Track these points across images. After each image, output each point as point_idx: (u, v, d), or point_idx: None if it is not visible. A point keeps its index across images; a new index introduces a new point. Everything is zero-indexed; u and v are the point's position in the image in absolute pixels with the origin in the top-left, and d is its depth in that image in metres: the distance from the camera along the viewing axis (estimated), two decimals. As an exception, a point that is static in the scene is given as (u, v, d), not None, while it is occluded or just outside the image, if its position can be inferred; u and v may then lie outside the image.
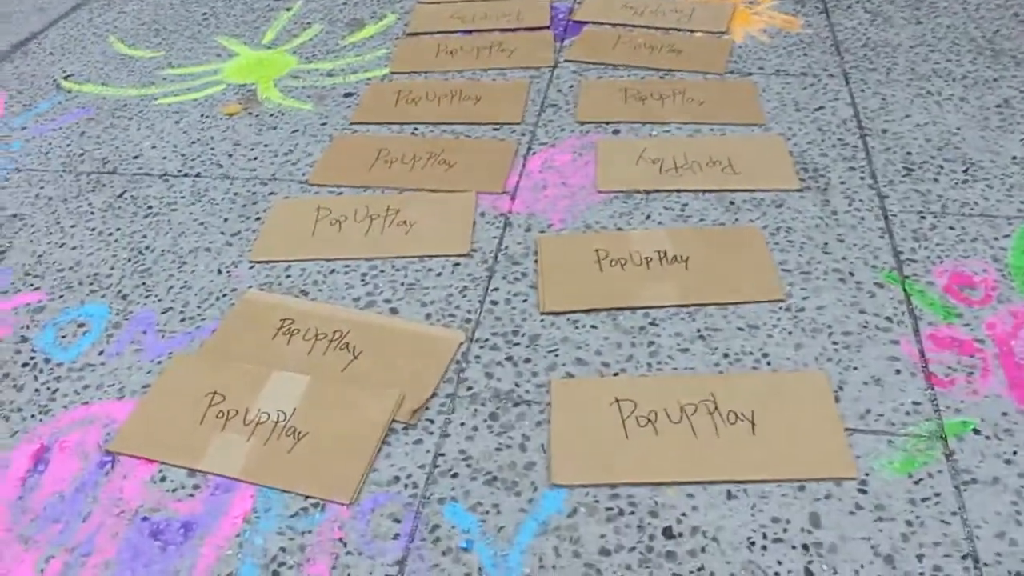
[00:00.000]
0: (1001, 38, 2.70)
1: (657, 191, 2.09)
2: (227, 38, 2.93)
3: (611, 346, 1.72)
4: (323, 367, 1.69)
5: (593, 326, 1.76)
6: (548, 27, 2.80)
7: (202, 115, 2.51)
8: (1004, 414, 1.54)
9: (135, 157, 2.35)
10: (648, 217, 2.02)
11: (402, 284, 1.87)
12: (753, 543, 1.38)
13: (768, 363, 1.66)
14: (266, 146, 2.35)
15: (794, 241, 1.94)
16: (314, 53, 2.78)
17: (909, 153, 2.20)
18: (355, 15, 3.01)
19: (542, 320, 1.78)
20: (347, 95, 2.53)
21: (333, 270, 1.92)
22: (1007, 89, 2.44)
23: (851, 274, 1.86)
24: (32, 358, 1.77)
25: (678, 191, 2.09)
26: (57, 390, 1.69)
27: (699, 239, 1.94)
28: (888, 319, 1.75)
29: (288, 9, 3.05)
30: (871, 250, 1.91)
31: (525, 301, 1.82)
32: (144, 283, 1.93)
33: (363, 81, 2.59)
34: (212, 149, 2.35)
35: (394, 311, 1.81)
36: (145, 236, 2.06)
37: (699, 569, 1.35)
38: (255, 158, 2.30)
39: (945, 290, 1.81)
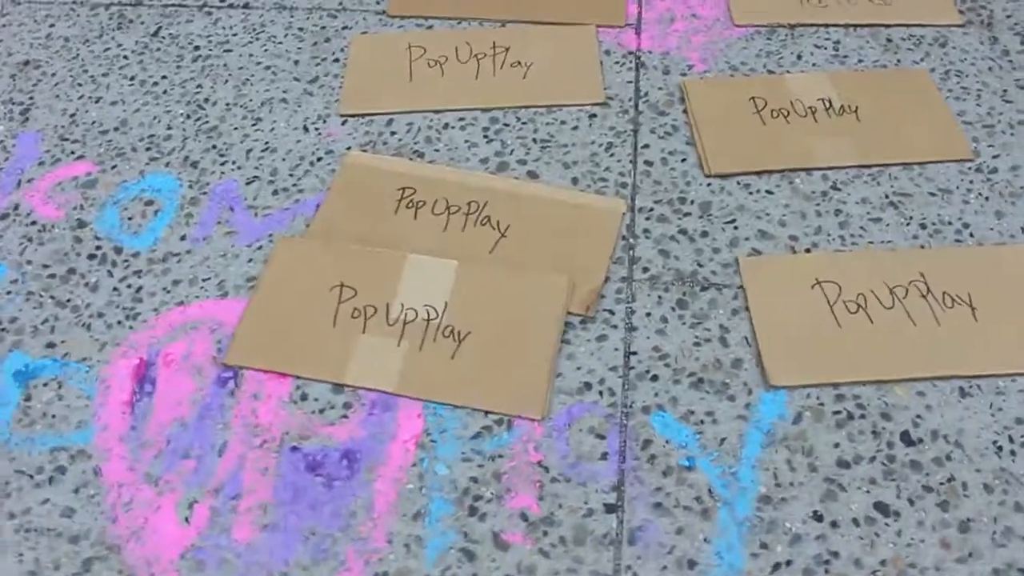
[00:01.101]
0: None
1: (802, 25, 1.79)
2: None
3: (794, 215, 1.47)
4: (466, 247, 1.40)
5: (768, 191, 1.50)
6: None
7: (232, -72, 2.07)
8: None
9: (160, -20, 1.93)
10: (799, 57, 1.73)
11: (534, 140, 1.57)
12: (1000, 448, 1.20)
13: (971, 235, 1.44)
14: None
15: (968, 88, 1.69)
16: None
17: (1071, -22, 1.93)
18: None
19: (709, 184, 1.51)
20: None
21: (447, 124, 1.60)
22: None
23: (1043, 127, 1.63)
24: (99, 247, 1.44)
25: (826, 25, 1.80)
26: (141, 288, 1.38)
27: (865, 85, 1.67)
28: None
29: None
30: (1057, 97, 1.68)
31: (684, 160, 1.55)
32: (214, 146, 1.58)
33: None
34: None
35: (533, 175, 1.52)
36: (200, 86, 1.69)
37: (949, 480, 1.17)
38: None
39: None
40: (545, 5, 1.80)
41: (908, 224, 1.46)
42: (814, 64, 1.72)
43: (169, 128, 1.61)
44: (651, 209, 1.47)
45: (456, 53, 1.70)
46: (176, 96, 1.67)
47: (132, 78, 1.71)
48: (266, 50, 1.75)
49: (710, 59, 1.72)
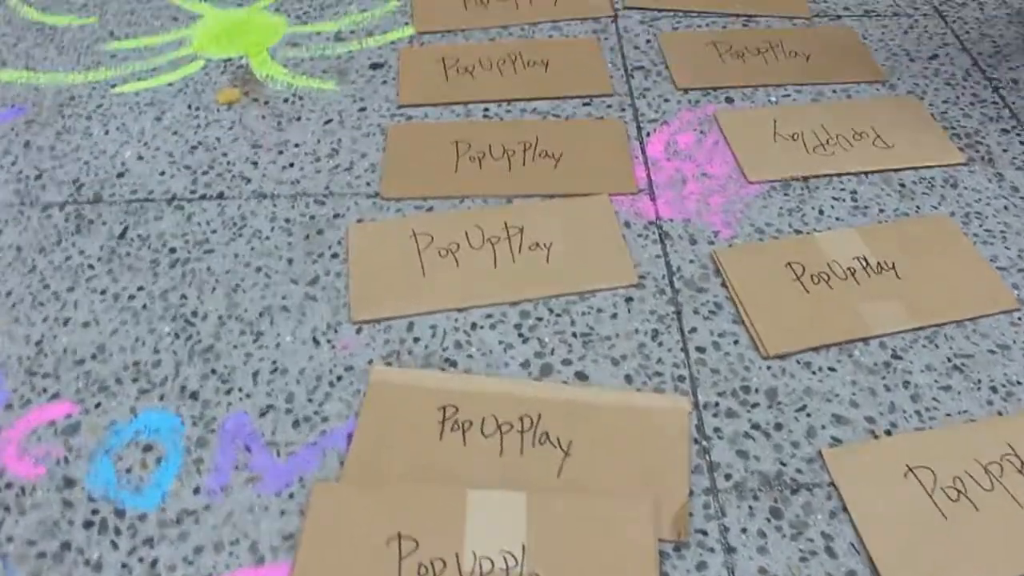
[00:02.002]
0: None
1: (815, 176, 1.73)
2: (174, -8, 2.27)
3: (864, 394, 1.37)
4: (530, 473, 1.24)
5: (831, 368, 1.40)
6: (581, -36, 2.32)
7: (190, 106, 1.89)
8: None
9: (119, 175, 1.74)
10: (821, 212, 1.66)
11: (574, 335, 1.43)
12: None
13: (1043, 394, 1.37)
14: (298, 146, 1.79)
15: (992, 231, 1.64)
16: (305, 10, 2.17)
17: (1052, 106, 1.95)
18: (335, -45, 2.40)
19: (769, 367, 1.40)
20: (374, 66, 1.98)
21: (474, 323, 1.45)
22: (1108, 22, 2.22)
23: (1071, 267, 1.59)
24: (95, 511, 1.22)
25: (838, 175, 1.74)
26: (157, 561, 1.17)
27: (895, 237, 1.61)
28: None
29: (242, -48, 2.40)
30: (1076, 232, 1.65)
31: (736, 342, 1.43)
32: (214, 370, 1.39)
33: (387, 46, 2.04)
34: (226, 155, 1.77)
35: (582, 376, 1.38)
36: (185, 296, 1.50)
37: None
38: (290, 165, 1.75)
39: None
40: (549, 174, 1.69)
41: (979, 389, 1.38)
42: (837, 219, 1.65)
43: (157, 351, 1.41)
44: (716, 404, 1.34)
45: (467, 239, 1.56)
46: (159, 311, 1.47)
47: (103, 292, 1.51)
48: (252, 248, 1.58)
49: (733, 222, 1.63)
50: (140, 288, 1.51)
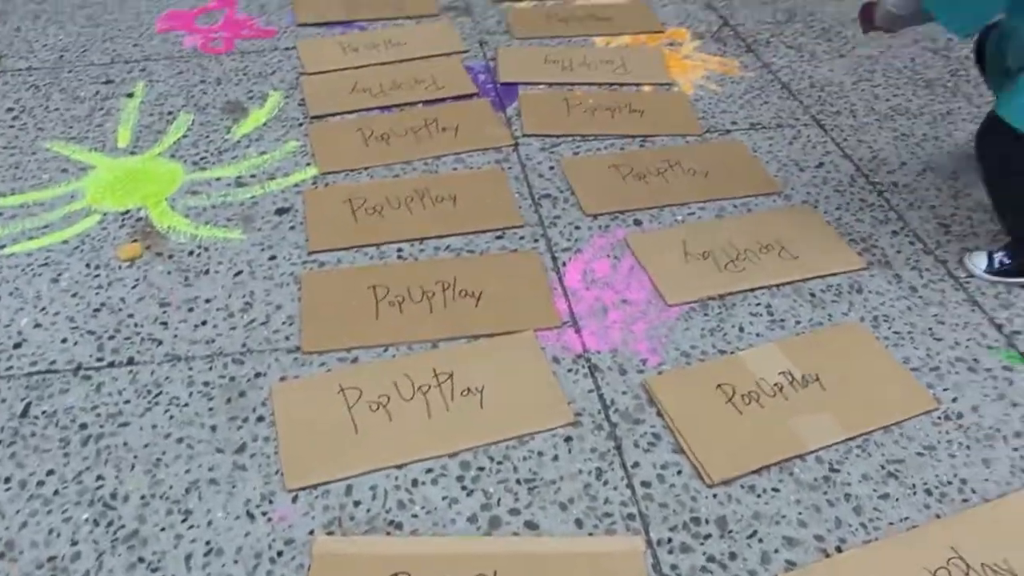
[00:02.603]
0: (922, 67, 2.66)
1: (730, 294, 1.77)
2: (63, 143, 2.18)
3: (810, 511, 1.38)
4: (492, 639, 1.20)
5: (775, 489, 1.41)
6: (477, 94, 2.36)
7: (88, 264, 1.80)
8: None
9: (16, 346, 1.63)
10: (742, 329, 1.70)
11: (519, 482, 1.40)
12: None
13: (973, 491, 1.42)
14: (209, 302, 1.72)
15: (900, 332, 1.71)
16: (201, 156, 2.13)
17: (933, 207, 2.05)
18: (227, 97, 2.37)
19: (715, 494, 1.40)
20: (280, 211, 1.95)
21: (415, 480, 1.40)
22: (968, 124, 2.38)
23: (976, 360, 1.66)
24: None
25: (752, 290, 1.79)
26: None
27: (814, 348, 1.66)
28: (1043, 407, 1.58)
29: (130, 95, 2.34)
30: (974, 328, 1.73)
31: (680, 472, 1.43)
32: (141, 559, 1.29)
33: (291, 189, 2.01)
34: (132, 317, 1.69)
35: (532, 526, 1.34)
36: (101, 478, 1.40)
37: None
38: (203, 322, 1.68)
39: (1063, 361, 1.68)
40: (472, 316, 1.68)
41: (915, 493, 1.41)
42: (757, 334, 1.68)
43: (74, 543, 1.31)
44: (669, 540, 1.33)
45: (397, 390, 1.52)
46: (73, 496, 1.37)
47: (7, 480, 1.40)
48: (171, 417, 1.49)
49: (659, 348, 1.64)
50: (50, 472, 1.41)
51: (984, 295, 1.81)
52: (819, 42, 2.78)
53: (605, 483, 1.41)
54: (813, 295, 1.79)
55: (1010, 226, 1.87)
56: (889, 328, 1.72)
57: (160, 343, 1.63)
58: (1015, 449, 1.49)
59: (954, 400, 1.58)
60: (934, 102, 2.48)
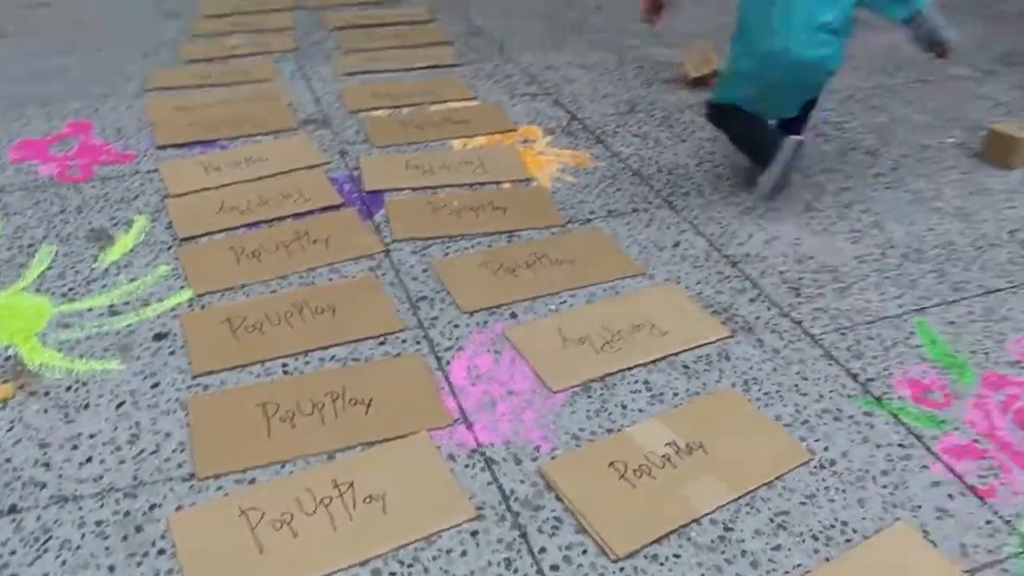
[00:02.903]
0: (857, 128, 2.88)
1: (610, 374, 1.86)
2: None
3: (711, 572, 1.45)
4: None
5: (676, 555, 1.48)
6: (344, 204, 2.41)
7: (-43, 413, 1.74)
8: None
9: None
10: (625, 407, 1.78)
11: (432, 584, 1.42)
12: None
13: (854, 530, 1.54)
14: (93, 437, 1.68)
15: (769, 392, 1.84)
16: (69, 287, 2.08)
17: (782, 272, 2.22)
18: (91, 225, 2.33)
19: (621, 568, 1.45)
20: (158, 337, 1.92)
21: (328, 595, 1.40)
22: (802, 192, 2.60)
23: (840, 410, 1.80)
24: None
25: (628, 368, 1.88)
26: None
27: (694, 417, 1.76)
28: (902, 446, 1.73)
29: (-21, 227, 2.28)
30: (834, 379, 1.88)
31: (585, 552, 1.48)
32: None
33: (167, 314, 1.99)
34: (10, 461, 1.62)
35: (450, 626, 1.36)
36: (-6, 640, 1.34)
37: None
38: (88, 459, 1.63)
39: (916, 400, 1.84)
40: (362, 421, 1.70)
41: (803, 541, 1.51)
42: (640, 410, 1.77)
43: None
44: (583, 621, 1.37)
45: (299, 505, 1.52)
46: (-36, 662, 1.30)
47: None
48: (64, 562, 1.44)
49: (550, 435, 1.70)
50: (-65, 643, 1.34)
51: (838, 348, 1.97)
52: (661, 129, 2.98)
53: (515, 571, 1.44)
54: (686, 367, 1.90)
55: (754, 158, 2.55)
56: (759, 389, 1.84)
57: (44, 486, 1.58)
58: (884, 487, 1.62)
59: (826, 449, 1.70)
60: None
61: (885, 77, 3.60)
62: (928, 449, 1.71)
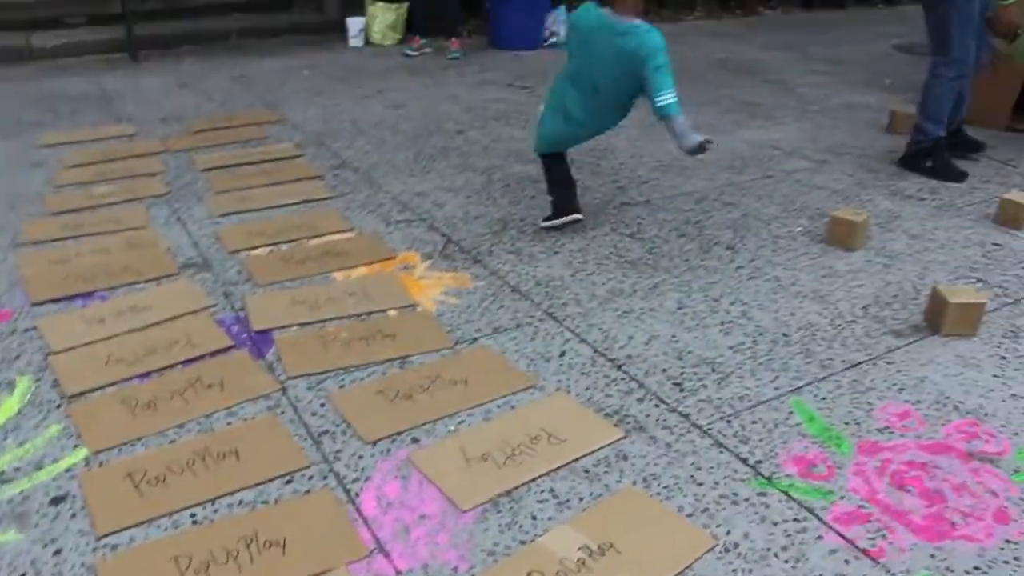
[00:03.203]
0: (624, 251, 3.06)
1: (516, 488, 1.92)
2: None
3: (637, 675, 1.50)
4: None
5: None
6: (234, 345, 2.42)
7: None
8: (932, 556, 1.76)
9: None
10: (535, 517, 1.84)
11: None
12: None
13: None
14: (-6, 618, 1.62)
15: (669, 486, 1.93)
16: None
17: (664, 370, 2.35)
18: (-36, 391, 2.25)
19: None
20: (56, 501, 1.86)
21: None
22: (673, 292, 2.77)
23: (735, 494, 1.91)
24: None
25: (533, 479, 1.94)
26: None
27: (602, 519, 1.83)
28: (796, 520, 1.85)
29: None
30: (726, 466, 2.00)
31: (514, 669, 1.51)
32: None
33: (63, 475, 1.93)
34: (-93, 655, 1.55)
35: None
36: None
37: None
38: (-7, 641, 1.57)
39: (802, 476, 1.97)
40: (281, 566, 1.69)
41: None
42: (550, 518, 1.83)
43: None
44: None
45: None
46: None
47: None
48: None
49: (467, 554, 1.74)
50: None
51: (725, 436, 2.09)
52: (534, 244, 3.13)
53: None
54: (587, 471, 1.98)
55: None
56: (658, 484, 1.94)
57: (-53, 676, 1.51)
58: (786, 562, 1.73)
59: (728, 533, 1.81)
60: (641, 278, 2.86)
61: (734, 175, 3.89)
62: (820, 520, 1.84)
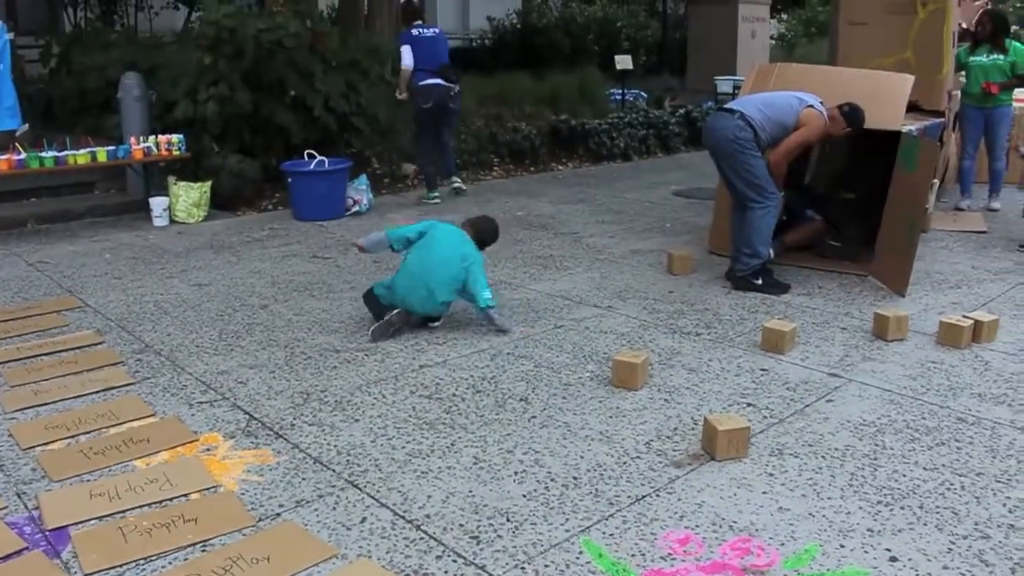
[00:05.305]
0: (423, 412, 3.21)
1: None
2: None
3: None
4: None
5: None
6: (26, 548, 2.36)
7: None
8: None
9: None
10: None
11: None
12: None
13: None
14: None
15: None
16: None
17: (461, 525, 2.48)
18: None
19: None
20: None
21: None
22: (469, 448, 2.92)
23: None
24: None
25: (334, 649, 2.00)
26: None
27: None
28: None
29: None
30: None
31: None
32: None
33: None
34: None
35: None
36: None
37: None
38: None
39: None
40: None
41: None
42: None
43: None
44: None
45: None
46: None
47: None
48: None
49: None
50: None
51: (519, 586, 2.22)
52: (335, 413, 3.23)
53: None
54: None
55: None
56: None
57: None
58: None
59: None
60: (439, 438, 3.00)
61: (527, 327, 4.15)
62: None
